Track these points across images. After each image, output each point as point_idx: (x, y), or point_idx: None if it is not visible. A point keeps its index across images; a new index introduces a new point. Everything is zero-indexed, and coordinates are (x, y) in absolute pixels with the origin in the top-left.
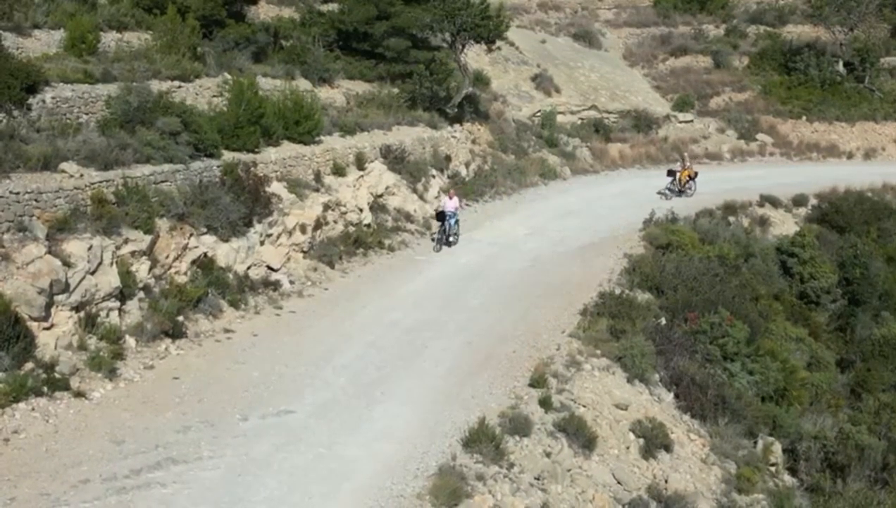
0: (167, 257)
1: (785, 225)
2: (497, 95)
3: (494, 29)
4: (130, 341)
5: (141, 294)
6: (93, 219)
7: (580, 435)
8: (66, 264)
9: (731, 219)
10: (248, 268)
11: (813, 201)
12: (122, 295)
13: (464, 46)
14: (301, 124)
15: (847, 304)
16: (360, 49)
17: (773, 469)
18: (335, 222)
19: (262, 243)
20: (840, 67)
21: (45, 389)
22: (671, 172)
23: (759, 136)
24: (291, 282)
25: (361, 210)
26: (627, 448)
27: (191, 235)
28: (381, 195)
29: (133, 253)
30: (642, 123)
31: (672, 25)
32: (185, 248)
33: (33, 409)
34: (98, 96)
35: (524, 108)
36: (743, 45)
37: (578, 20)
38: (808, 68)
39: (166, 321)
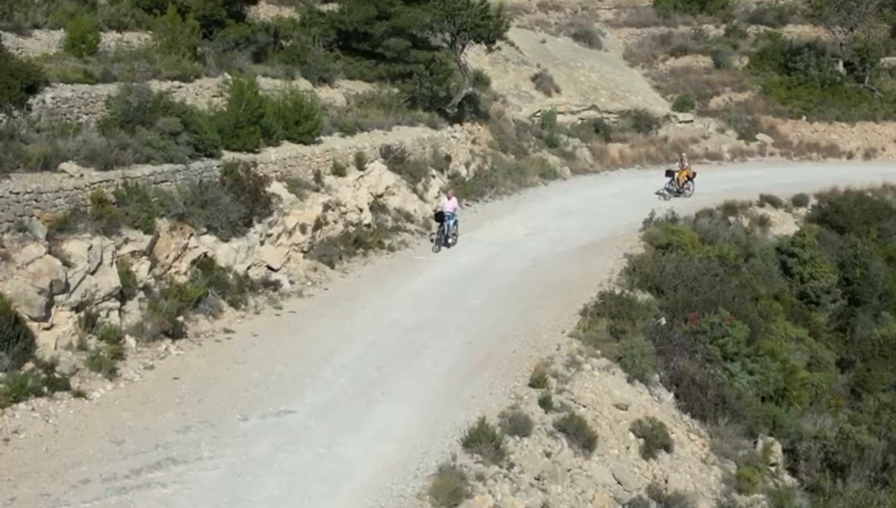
0: (167, 257)
1: (785, 225)
2: (497, 95)
3: (494, 29)
4: (130, 341)
5: (141, 294)
6: (93, 219)
7: (580, 435)
8: (66, 264)
9: (731, 219)
10: (248, 268)
11: (813, 201)
12: (122, 295)
13: (464, 46)
14: (301, 124)
15: (847, 304)
16: (360, 49)
17: (773, 469)
18: (335, 222)
19: (262, 243)
20: (840, 66)
21: (45, 389)
22: (669, 173)
23: (759, 136)
24: (291, 282)
25: (361, 210)
26: (627, 448)
27: (191, 235)
28: (381, 195)
29: (133, 253)
30: (642, 123)
31: (672, 25)
32: (185, 248)
33: (33, 409)
34: (98, 96)
35: (524, 108)
36: (743, 45)
37: (578, 20)
38: (808, 68)
39: (166, 321)
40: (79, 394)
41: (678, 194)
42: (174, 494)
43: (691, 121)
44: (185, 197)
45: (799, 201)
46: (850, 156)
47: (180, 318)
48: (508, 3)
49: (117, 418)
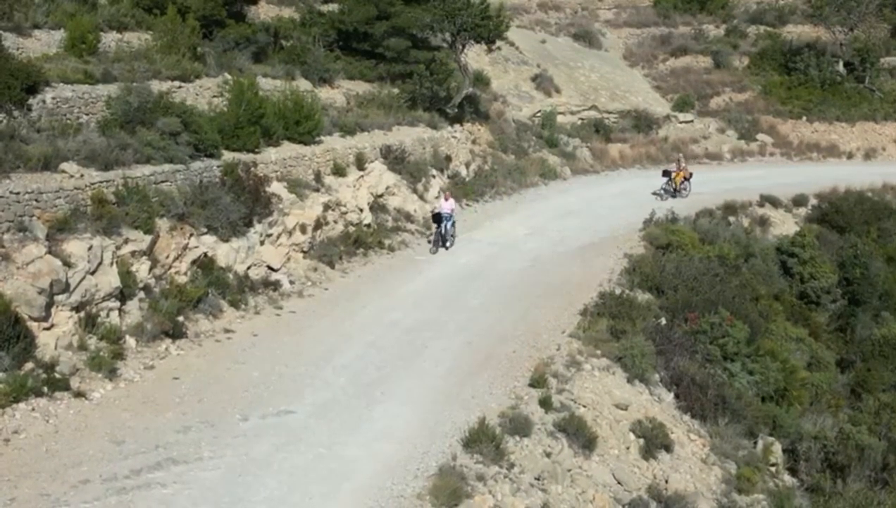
0: (167, 257)
1: (785, 225)
2: (497, 95)
3: (494, 29)
4: (130, 341)
5: (141, 294)
6: (93, 219)
7: (580, 435)
8: (67, 264)
9: (732, 219)
10: (249, 268)
11: (813, 201)
12: (123, 295)
13: (464, 46)
14: (301, 124)
15: (847, 304)
16: (360, 49)
17: (773, 469)
18: (335, 222)
19: (262, 243)
20: (840, 67)
21: (46, 389)
22: (666, 173)
23: (760, 136)
24: (291, 282)
25: (361, 210)
26: (627, 448)
27: (191, 235)
28: (381, 195)
29: (133, 253)
30: (642, 123)
31: (672, 25)
32: (185, 248)
33: (33, 409)
34: (98, 97)
35: (524, 108)
36: (743, 45)
37: (578, 20)
38: (808, 68)
39: (166, 321)
40: (79, 394)
41: (675, 194)
42: (174, 494)
43: (691, 121)
44: (186, 197)
45: (799, 201)
46: (850, 156)
47: (180, 318)
48: (508, 3)
49: (117, 418)
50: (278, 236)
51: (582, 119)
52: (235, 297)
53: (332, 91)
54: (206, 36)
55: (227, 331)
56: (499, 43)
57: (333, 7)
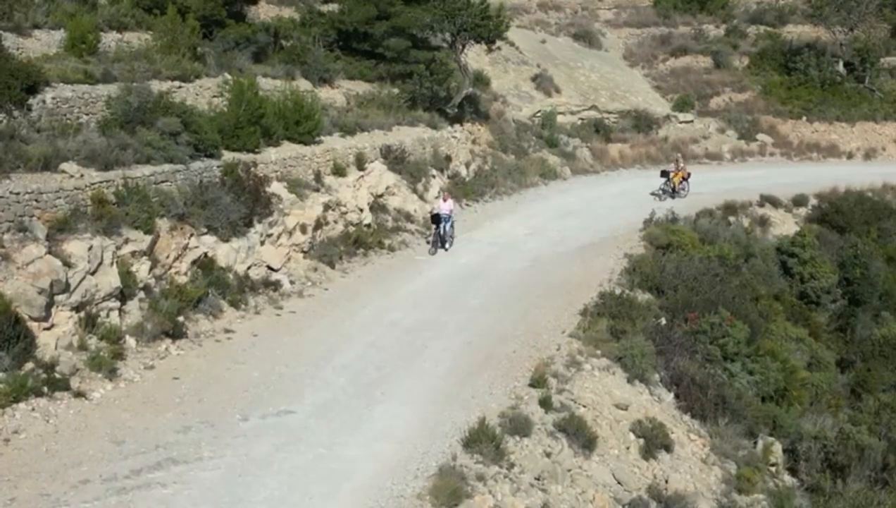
0: (167, 257)
1: (785, 225)
2: (497, 95)
3: (494, 29)
4: (131, 341)
5: (141, 294)
6: (93, 219)
7: (580, 435)
8: (67, 264)
9: (732, 219)
10: (249, 268)
11: (813, 201)
12: (123, 295)
13: (464, 46)
14: (301, 124)
15: (847, 304)
16: (360, 49)
17: (773, 469)
18: (335, 222)
19: (262, 243)
20: (840, 67)
21: (46, 389)
22: (664, 173)
23: (760, 136)
24: (291, 282)
25: (362, 210)
26: (627, 448)
27: (191, 235)
28: (381, 195)
29: (133, 253)
30: (642, 123)
31: (672, 25)
32: (185, 248)
33: (33, 409)
34: (98, 97)
35: (524, 108)
36: (743, 45)
37: (578, 20)
38: (808, 68)
39: (166, 321)
40: (79, 394)
41: (673, 194)
42: (174, 494)
43: (691, 121)
44: (186, 197)
45: (799, 201)
46: (850, 156)
47: (180, 318)
48: (508, 3)
49: (117, 418)
50: (278, 236)
51: (582, 119)
52: (235, 297)
53: (332, 91)
54: (206, 36)
55: (227, 331)
56: (499, 43)
57: (333, 7)
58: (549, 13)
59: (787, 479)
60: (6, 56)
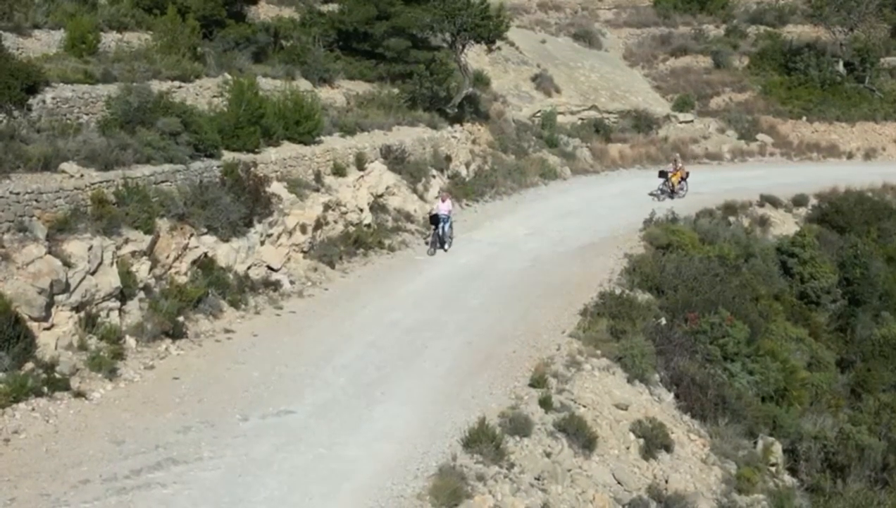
0: (167, 257)
1: (785, 225)
2: (497, 95)
3: (494, 29)
4: (131, 341)
5: (141, 294)
6: (93, 219)
7: (580, 435)
8: (67, 264)
9: (732, 219)
10: (249, 268)
11: (813, 201)
12: (123, 295)
13: (464, 46)
14: (301, 124)
15: (847, 304)
16: (360, 49)
17: (773, 469)
18: (335, 222)
19: (262, 244)
20: (840, 67)
21: (46, 389)
22: (662, 173)
23: (760, 136)
24: (291, 282)
25: (362, 210)
26: (627, 448)
27: (191, 235)
28: (381, 195)
29: (133, 253)
30: (642, 123)
31: (672, 25)
32: (185, 248)
33: (33, 409)
34: (98, 97)
35: (524, 108)
36: (743, 45)
37: (578, 20)
38: (808, 68)
39: (166, 321)
40: (79, 394)
41: (672, 194)
42: (174, 494)
43: (691, 121)
44: (186, 197)
45: (799, 201)
46: (850, 156)
47: (180, 318)
48: (508, 3)
49: (117, 418)
50: (278, 237)
51: (582, 119)
52: (235, 297)
53: (332, 91)
54: (206, 36)
55: (227, 331)
56: (499, 43)
57: (333, 7)
58: (549, 13)
59: (787, 479)
60: (6, 56)
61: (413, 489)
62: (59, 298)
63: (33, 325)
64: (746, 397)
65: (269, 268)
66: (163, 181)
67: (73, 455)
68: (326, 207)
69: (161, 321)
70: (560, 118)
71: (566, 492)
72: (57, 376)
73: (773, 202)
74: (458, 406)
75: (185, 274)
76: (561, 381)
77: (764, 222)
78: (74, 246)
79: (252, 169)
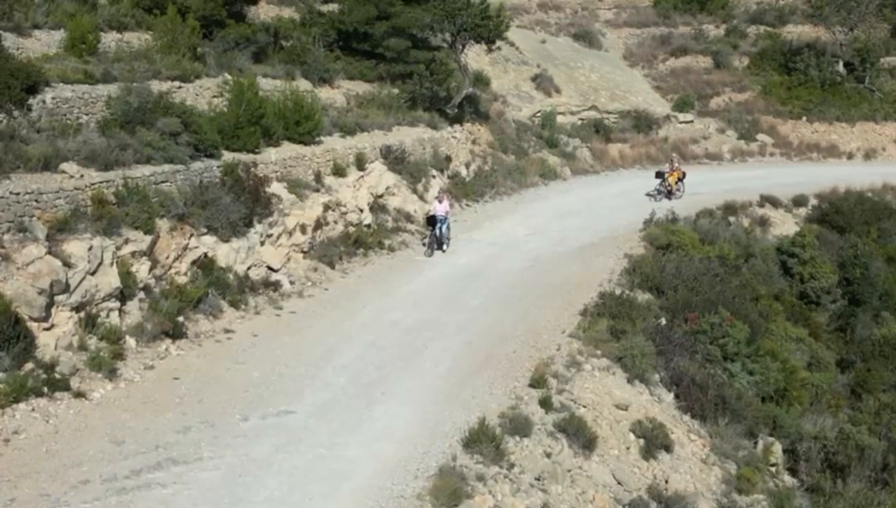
0: (167, 257)
1: (785, 225)
2: (497, 95)
3: (494, 29)
4: (130, 341)
5: (141, 295)
6: (93, 219)
7: (580, 436)
8: (67, 264)
9: (732, 219)
10: (249, 268)
11: (813, 202)
12: (123, 295)
13: (464, 46)
14: (301, 125)
15: (847, 304)
16: (360, 49)
17: (773, 469)
18: (335, 222)
19: (262, 244)
20: (840, 67)
21: (46, 389)
22: (659, 174)
23: (760, 136)
24: (291, 282)
25: (362, 211)
26: (628, 448)
27: (191, 235)
28: (381, 196)
29: (133, 253)
30: (642, 123)
31: (672, 25)
32: (185, 248)
33: (33, 409)
34: (98, 97)
35: (524, 108)
36: (743, 45)
37: (578, 20)
38: (808, 68)
39: (166, 321)
40: (79, 394)
41: (669, 195)
42: (174, 494)
43: (691, 121)
44: (186, 197)
45: (799, 201)
46: (850, 156)
47: (180, 318)
48: (508, 3)
49: (117, 418)
50: (278, 237)
51: (582, 119)
52: (235, 297)
53: (332, 91)
54: (206, 36)
55: (227, 331)
56: (499, 43)
57: (333, 7)
58: (549, 13)
59: (787, 479)
60: (6, 56)
61: (413, 489)
62: (59, 298)
63: (33, 325)
64: (746, 397)
65: (269, 268)
66: (163, 181)
67: (73, 455)
68: (326, 207)
69: (161, 322)
70: (560, 118)
71: (566, 492)
72: (57, 376)
73: (773, 202)
74: (458, 406)
75: (185, 274)
76: (561, 381)
77: (764, 223)
78: (74, 246)
79: (252, 169)
